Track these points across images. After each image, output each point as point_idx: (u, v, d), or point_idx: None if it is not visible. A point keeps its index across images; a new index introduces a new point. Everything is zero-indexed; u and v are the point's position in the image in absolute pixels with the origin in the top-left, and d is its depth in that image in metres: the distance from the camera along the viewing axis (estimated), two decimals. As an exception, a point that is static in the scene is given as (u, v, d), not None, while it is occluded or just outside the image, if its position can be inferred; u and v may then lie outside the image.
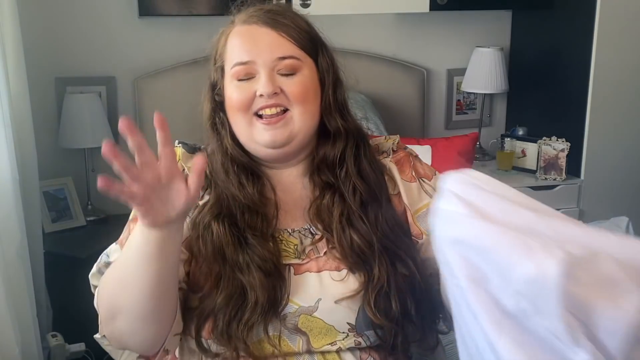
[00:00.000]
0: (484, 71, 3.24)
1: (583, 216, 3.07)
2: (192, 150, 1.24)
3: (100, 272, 1.15)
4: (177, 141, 1.23)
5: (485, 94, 3.38)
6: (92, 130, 2.78)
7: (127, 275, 1.02)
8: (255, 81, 1.13)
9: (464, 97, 3.50)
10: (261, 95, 1.12)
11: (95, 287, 1.15)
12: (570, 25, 3.11)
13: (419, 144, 2.93)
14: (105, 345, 1.13)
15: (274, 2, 2.64)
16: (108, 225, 2.88)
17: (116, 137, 2.94)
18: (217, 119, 1.20)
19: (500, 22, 3.47)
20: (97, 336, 1.13)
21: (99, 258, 1.19)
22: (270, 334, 1.08)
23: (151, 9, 2.87)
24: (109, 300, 1.06)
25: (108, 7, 2.92)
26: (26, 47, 2.42)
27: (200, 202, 1.16)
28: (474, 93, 3.45)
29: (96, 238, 2.73)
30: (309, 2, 2.68)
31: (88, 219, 2.85)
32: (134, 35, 2.97)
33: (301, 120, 1.14)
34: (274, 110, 1.13)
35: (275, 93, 1.12)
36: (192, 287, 1.14)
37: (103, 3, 2.91)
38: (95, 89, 2.90)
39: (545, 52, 3.28)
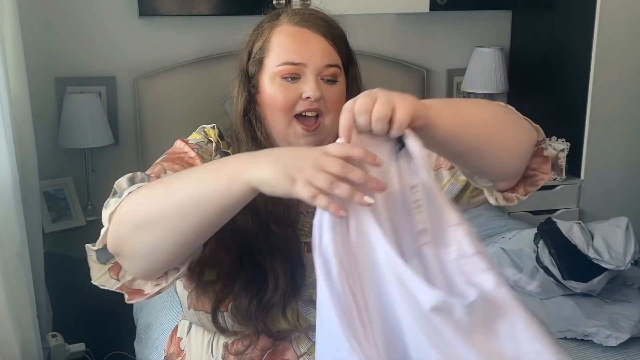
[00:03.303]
0: (484, 71, 3.25)
1: (583, 216, 3.07)
2: (221, 136, 1.27)
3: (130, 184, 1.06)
4: (204, 127, 1.27)
5: (485, 94, 3.38)
6: (92, 130, 2.78)
7: (187, 205, 0.96)
8: (302, 83, 1.16)
9: (464, 97, 3.50)
10: (307, 98, 1.15)
11: (111, 213, 1.03)
12: (570, 25, 3.11)
13: (419, 144, 2.93)
14: (91, 258, 1.07)
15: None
16: (108, 225, 2.88)
17: (116, 138, 2.95)
18: (251, 113, 1.22)
19: (500, 22, 3.47)
20: (89, 245, 1.08)
21: (119, 185, 1.08)
22: (288, 315, 1.13)
23: (151, 9, 2.87)
24: (150, 213, 0.98)
25: (108, 7, 2.92)
26: (26, 47, 2.42)
27: None
28: (474, 93, 3.45)
29: (96, 238, 2.72)
30: (308, 2, 2.68)
31: (88, 219, 2.85)
32: (134, 35, 2.97)
33: (331, 127, 1.19)
34: (313, 113, 1.17)
35: (320, 98, 1.16)
36: (210, 261, 1.16)
37: (103, 3, 2.91)
38: (95, 89, 2.90)
39: (545, 52, 3.28)
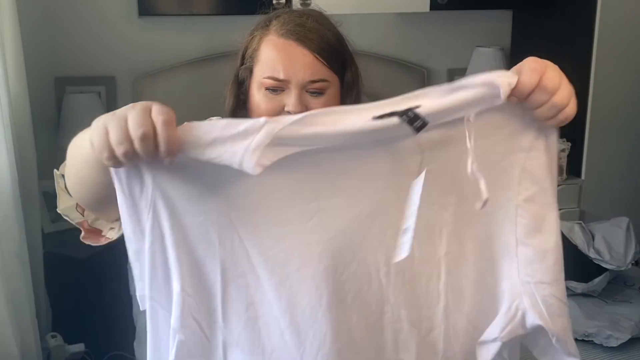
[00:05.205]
0: (484, 71, 3.20)
1: (583, 216, 3.07)
2: None
3: None
4: (211, 118, 1.28)
5: (485, 94, 3.37)
6: (92, 130, 2.78)
7: (73, 148, 0.99)
8: (285, 95, 1.20)
9: (464, 97, 3.49)
10: (289, 112, 1.18)
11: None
12: (570, 25, 3.11)
13: (419, 144, 2.93)
14: (59, 185, 1.14)
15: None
16: (108, 225, 2.88)
17: (116, 137, 2.94)
18: (240, 116, 1.26)
19: (500, 22, 3.47)
20: (57, 171, 1.14)
21: None
22: None
23: (151, 9, 2.87)
24: (70, 146, 1.02)
25: (108, 7, 2.92)
26: (26, 47, 2.42)
27: None
28: (474, 93, 3.45)
29: (96, 238, 2.73)
30: (308, 2, 2.68)
31: (88, 219, 2.84)
32: (134, 35, 2.97)
33: None
34: None
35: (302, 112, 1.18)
36: None
37: (103, 3, 2.91)
38: (95, 89, 2.90)
39: (545, 52, 3.27)
